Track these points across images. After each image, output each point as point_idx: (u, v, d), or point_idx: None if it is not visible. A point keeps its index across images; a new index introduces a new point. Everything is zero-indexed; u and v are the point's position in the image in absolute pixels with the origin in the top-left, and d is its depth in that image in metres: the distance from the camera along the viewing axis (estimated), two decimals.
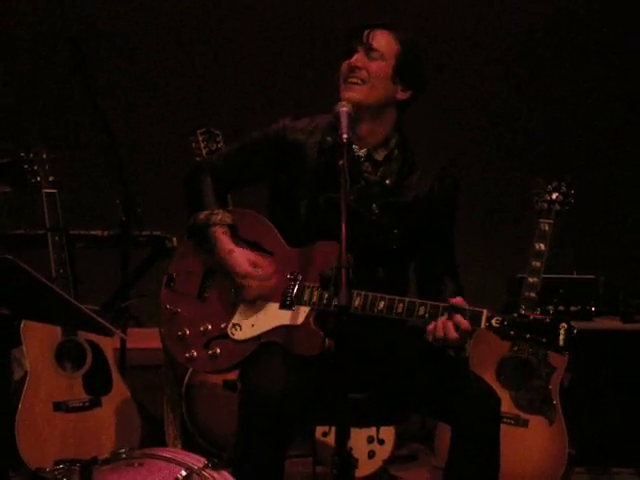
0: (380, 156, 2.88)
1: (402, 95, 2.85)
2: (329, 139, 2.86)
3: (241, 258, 2.81)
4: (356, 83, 2.79)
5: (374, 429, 3.87)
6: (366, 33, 2.81)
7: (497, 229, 5.29)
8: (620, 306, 4.31)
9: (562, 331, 2.55)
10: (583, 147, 5.42)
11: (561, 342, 2.55)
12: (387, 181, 2.87)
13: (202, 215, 2.89)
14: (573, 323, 2.59)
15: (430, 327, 2.64)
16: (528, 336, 2.58)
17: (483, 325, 2.60)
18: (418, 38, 2.89)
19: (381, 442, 3.91)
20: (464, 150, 5.33)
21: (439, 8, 5.40)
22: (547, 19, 5.43)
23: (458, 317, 2.60)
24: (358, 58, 2.80)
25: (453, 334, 2.60)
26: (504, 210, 5.27)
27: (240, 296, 2.83)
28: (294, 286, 2.78)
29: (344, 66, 2.83)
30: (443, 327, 2.61)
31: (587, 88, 5.42)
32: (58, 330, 3.64)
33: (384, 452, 3.93)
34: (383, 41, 2.82)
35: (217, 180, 2.96)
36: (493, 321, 2.60)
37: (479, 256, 5.08)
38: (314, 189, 2.84)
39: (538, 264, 3.74)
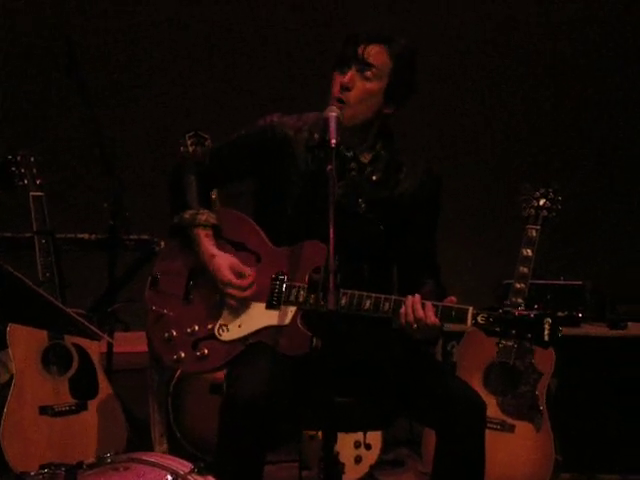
0: (366, 159, 2.90)
1: (389, 110, 2.84)
2: (316, 136, 2.86)
3: (223, 265, 2.80)
4: (344, 103, 2.76)
5: (361, 434, 3.87)
6: (361, 48, 2.77)
7: (484, 235, 5.29)
8: (607, 312, 4.33)
9: (547, 326, 2.56)
10: (571, 153, 5.44)
11: (546, 337, 2.57)
12: (374, 177, 2.88)
13: (187, 215, 2.88)
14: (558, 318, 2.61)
15: (402, 309, 2.66)
16: (514, 332, 2.59)
17: (469, 322, 2.61)
18: (411, 45, 2.85)
19: (368, 447, 3.91)
20: (452, 154, 5.34)
21: (433, 12, 5.41)
22: (539, 24, 5.45)
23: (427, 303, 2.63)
24: (351, 77, 2.77)
25: (420, 313, 2.62)
26: (491, 216, 5.28)
27: (226, 298, 2.83)
28: (280, 286, 2.78)
29: (336, 82, 2.80)
30: (412, 305, 2.63)
31: (576, 95, 5.44)
32: (44, 334, 3.63)
33: (371, 457, 3.93)
34: (379, 58, 2.78)
35: (202, 178, 2.95)
36: (479, 318, 2.60)
37: (466, 261, 5.09)
38: (301, 187, 2.85)
39: (525, 270, 3.75)
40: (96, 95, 4.17)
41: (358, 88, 2.77)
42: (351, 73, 2.78)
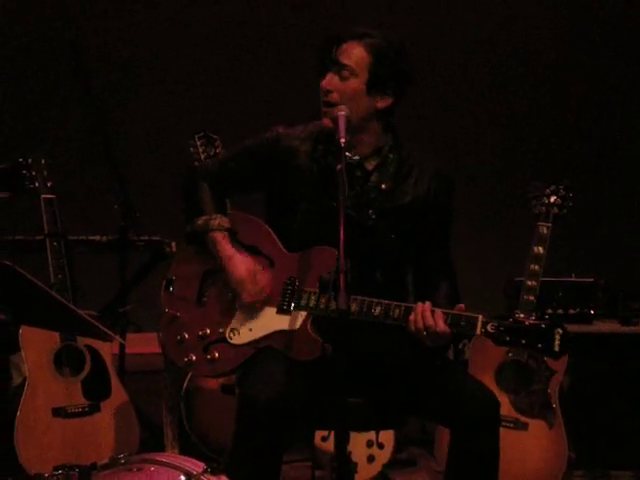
0: (371, 165, 2.87)
1: (382, 103, 2.81)
2: (320, 147, 2.86)
3: (240, 265, 2.82)
4: (331, 105, 2.77)
5: (373, 433, 3.86)
6: (334, 50, 2.77)
7: (495, 232, 5.29)
8: (619, 309, 4.31)
9: (557, 336, 2.56)
10: (582, 150, 5.43)
11: (556, 347, 2.56)
12: (383, 186, 2.86)
13: (200, 220, 2.89)
14: (571, 327, 2.59)
15: (411, 317, 2.66)
16: (524, 342, 2.58)
17: (479, 331, 2.60)
18: (391, 36, 2.82)
19: (380, 446, 3.90)
20: (462, 152, 5.34)
21: (434, 12, 5.40)
22: (547, 21, 5.45)
23: (437, 310, 2.63)
24: (329, 80, 2.78)
25: (430, 321, 2.62)
26: (502, 213, 5.27)
27: (237, 301, 2.84)
28: (291, 291, 2.79)
29: (320, 88, 2.81)
30: (421, 312, 2.63)
31: (585, 92, 5.43)
32: (57, 335, 3.64)
33: (384, 456, 3.92)
34: (353, 55, 2.76)
35: (214, 186, 2.96)
36: (489, 327, 2.60)
37: (477, 259, 5.08)
38: (309, 196, 2.85)
39: (537, 267, 3.74)
40: (99, 94, 4.18)
41: (338, 90, 2.77)
42: (329, 76, 2.78)
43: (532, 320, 2.62)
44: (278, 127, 2.92)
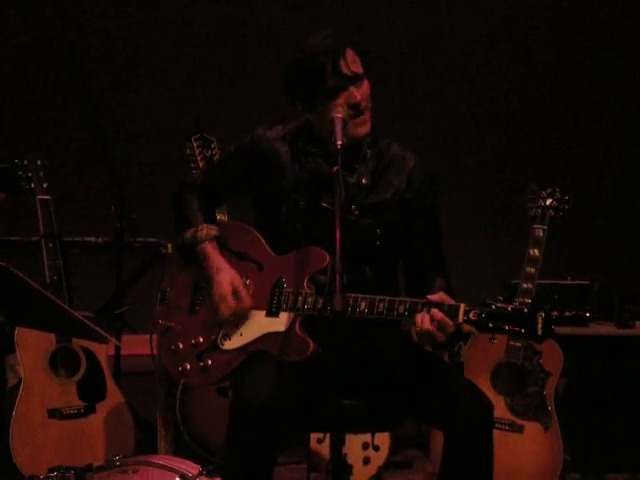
0: (360, 167, 2.87)
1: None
2: (300, 145, 2.87)
3: (225, 280, 2.83)
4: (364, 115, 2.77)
5: (369, 435, 3.86)
6: (342, 63, 2.74)
7: (491, 235, 5.29)
8: (615, 312, 4.31)
9: (540, 320, 2.53)
10: (577, 152, 5.44)
11: (539, 331, 2.53)
12: (363, 180, 2.86)
13: (188, 234, 2.92)
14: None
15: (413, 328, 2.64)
16: (507, 327, 2.56)
17: (461, 319, 2.58)
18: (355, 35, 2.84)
19: (376, 448, 3.90)
20: (462, 152, 5.34)
21: (435, 11, 5.41)
22: (547, 21, 5.46)
23: (434, 310, 2.59)
24: (355, 93, 2.75)
25: (428, 325, 2.59)
26: (498, 216, 5.27)
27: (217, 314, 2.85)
28: (279, 293, 2.80)
29: (343, 103, 2.74)
30: (420, 320, 2.61)
31: (582, 95, 5.44)
32: (52, 337, 3.64)
33: (379, 458, 3.92)
34: (356, 62, 2.77)
35: (201, 197, 2.98)
36: (471, 314, 2.58)
37: (473, 262, 5.09)
38: (293, 195, 2.86)
39: (532, 270, 3.75)
40: (97, 96, 4.18)
41: (364, 96, 2.78)
42: (355, 90, 2.76)
43: (514, 305, 2.60)
44: (258, 129, 2.94)
